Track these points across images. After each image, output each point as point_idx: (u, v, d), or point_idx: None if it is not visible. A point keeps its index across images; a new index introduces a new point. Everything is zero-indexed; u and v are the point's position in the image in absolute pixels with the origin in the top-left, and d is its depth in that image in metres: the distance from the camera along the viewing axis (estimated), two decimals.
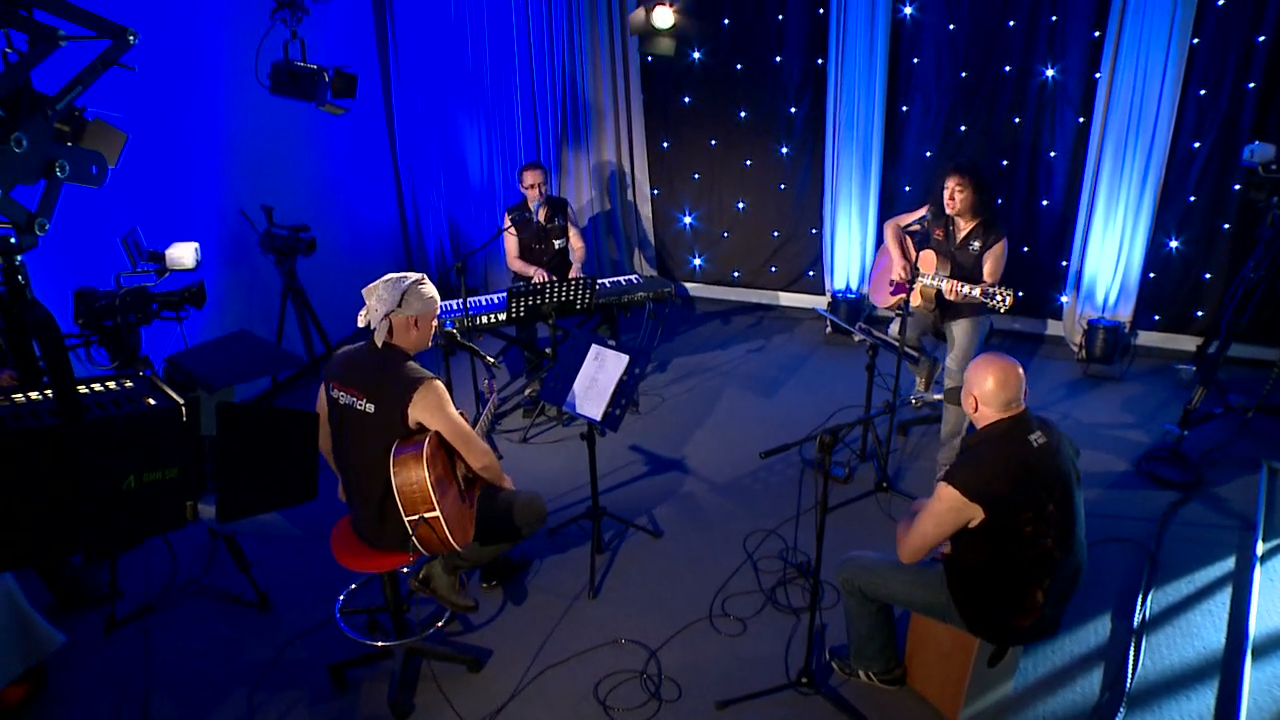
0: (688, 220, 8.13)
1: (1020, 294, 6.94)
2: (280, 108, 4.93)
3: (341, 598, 4.24)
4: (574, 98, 7.81)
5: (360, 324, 3.50)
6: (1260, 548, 4.49)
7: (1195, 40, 5.96)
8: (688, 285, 8.40)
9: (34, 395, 2.09)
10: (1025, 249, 6.95)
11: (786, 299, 8.12)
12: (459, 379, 5.81)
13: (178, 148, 5.61)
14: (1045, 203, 6.81)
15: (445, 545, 3.40)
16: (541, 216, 6.30)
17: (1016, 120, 6.68)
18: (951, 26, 6.58)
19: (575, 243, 6.49)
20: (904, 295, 5.02)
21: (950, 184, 5.09)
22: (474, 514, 3.64)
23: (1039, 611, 3.24)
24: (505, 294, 5.71)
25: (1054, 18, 6.31)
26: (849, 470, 5.34)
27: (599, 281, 6.11)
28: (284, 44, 4.41)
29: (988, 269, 5.11)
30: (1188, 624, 4.10)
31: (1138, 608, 4.16)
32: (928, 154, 7.01)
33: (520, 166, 6.39)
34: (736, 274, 8.20)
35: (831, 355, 7.15)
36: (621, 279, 6.54)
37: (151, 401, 2.09)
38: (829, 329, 7.48)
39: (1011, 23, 6.43)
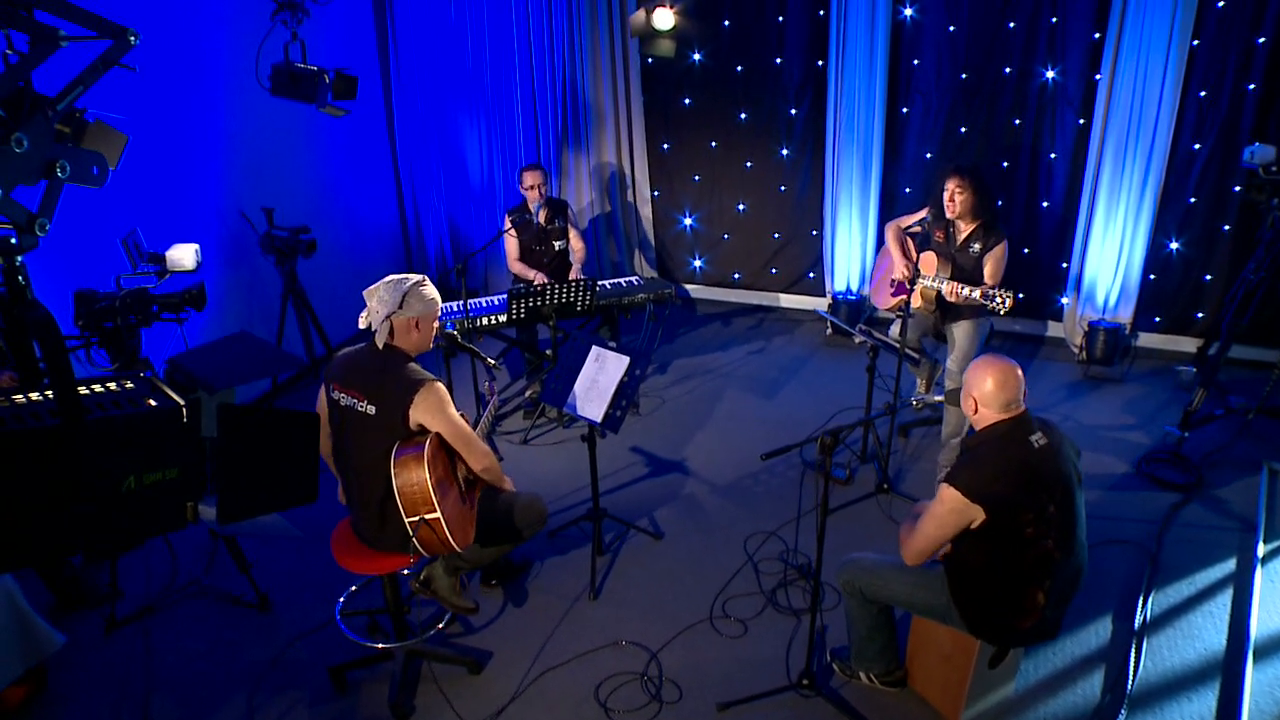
0: (688, 222, 8.13)
1: (1020, 296, 6.94)
2: (280, 109, 4.92)
3: (342, 599, 4.24)
4: (574, 99, 7.81)
5: (361, 325, 3.50)
6: (1261, 549, 4.49)
7: (1195, 42, 5.96)
8: (688, 287, 8.40)
9: (34, 396, 2.08)
10: (1025, 250, 6.95)
11: (787, 300, 8.12)
12: (459, 380, 5.81)
13: (178, 149, 5.61)
14: (1045, 204, 6.81)
15: (446, 546, 3.39)
16: (542, 218, 6.30)
17: (1017, 122, 6.68)
18: (952, 28, 6.58)
19: (575, 244, 6.49)
20: (904, 297, 5.02)
21: (950, 186, 5.09)
22: (474, 515, 3.64)
23: (1040, 613, 3.24)
24: (505, 295, 5.71)
25: (1054, 19, 6.31)
26: (850, 472, 5.34)
27: (599, 283, 6.11)
28: (284, 45, 4.41)
29: (988, 271, 5.11)
30: (1189, 625, 4.09)
31: (1139, 609, 4.16)
32: (928, 155, 7.01)
33: (520, 168, 6.39)
34: (737, 275, 8.19)
35: (832, 357, 7.15)
36: (622, 280, 6.54)
37: (152, 402, 2.09)
38: (829, 330, 7.48)
39: (1012, 24, 6.43)
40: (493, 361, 4.39)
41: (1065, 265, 6.88)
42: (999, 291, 4.76)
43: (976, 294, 4.86)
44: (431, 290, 3.50)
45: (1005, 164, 6.80)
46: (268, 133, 6.28)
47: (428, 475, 3.26)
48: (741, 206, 7.88)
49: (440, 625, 4.12)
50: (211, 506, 2.22)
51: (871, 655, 3.73)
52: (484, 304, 6.06)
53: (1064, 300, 6.98)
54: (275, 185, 6.36)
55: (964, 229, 5.20)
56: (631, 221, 8.18)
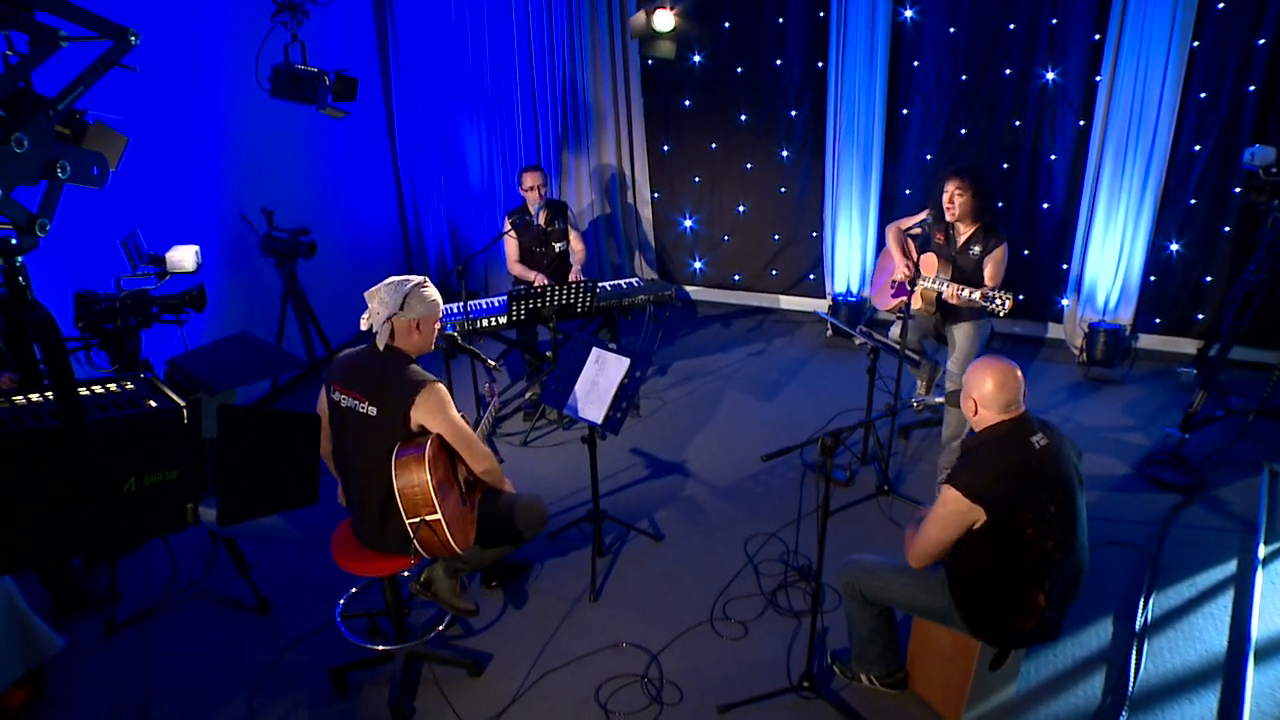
0: (688, 223, 8.13)
1: (1020, 297, 6.98)
2: (280, 111, 4.92)
3: (342, 601, 4.24)
4: (574, 100, 7.82)
5: (363, 327, 3.49)
6: (1262, 550, 4.48)
7: (1195, 43, 5.96)
8: (688, 288, 8.39)
9: (34, 397, 2.08)
10: (1026, 252, 6.95)
11: (787, 302, 8.12)
12: (459, 382, 5.80)
13: (178, 150, 5.61)
14: (1046, 206, 6.81)
15: (446, 548, 3.39)
16: (541, 219, 6.30)
17: (1017, 123, 6.68)
18: (952, 29, 6.59)
19: (576, 245, 6.48)
20: (905, 298, 5.01)
21: (950, 188, 5.09)
22: (475, 517, 3.63)
23: (1040, 614, 3.23)
24: (506, 297, 5.71)
25: (1054, 20, 6.31)
26: (850, 473, 5.33)
27: (599, 284, 6.10)
28: (284, 47, 4.41)
29: (988, 274, 5.10)
30: (1189, 627, 4.09)
31: (1139, 611, 4.16)
32: (928, 157, 7.01)
33: (520, 169, 6.39)
34: (737, 277, 8.19)
35: (832, 358, 7.15)
36: (622, 282, 6.53)
37: (152, 403, 2.08)
38: (830, 332, 7.48)
39: (1012, 25, 6.43)
40: (493, 363, 4.39)
41: (1065, 267, 6.88)
42: (999, 293, 4.75)
43: (976, 296, 4.86)
44: (433, 292, 3.50)
45: (1005, 165, 6.80)
46: (268, 134, 6.27)
47: (429, 476, 3.26)
48: (742, 208, 7.88)
49: (440, 627, 4.11)
50: (212, 508, 2.21)
51: (872, 657, 3.73)
52: (484, 305, 6.06)
53: (1064, 302, 6.98)
54: (275, 187, 6.36)
55: (964, 231, 5.20)
56: (631, 223, 8.18)
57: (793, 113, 7.38)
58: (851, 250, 7.40)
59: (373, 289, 3.44)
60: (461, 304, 5.70)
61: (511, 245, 6.39)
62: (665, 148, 7.90)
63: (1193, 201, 6.37)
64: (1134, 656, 3.87)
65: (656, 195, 8.10)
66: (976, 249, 5.14)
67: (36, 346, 2.02)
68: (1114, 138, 6.30)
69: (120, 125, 2.21)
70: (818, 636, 3.72)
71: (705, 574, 4.58)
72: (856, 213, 7.26)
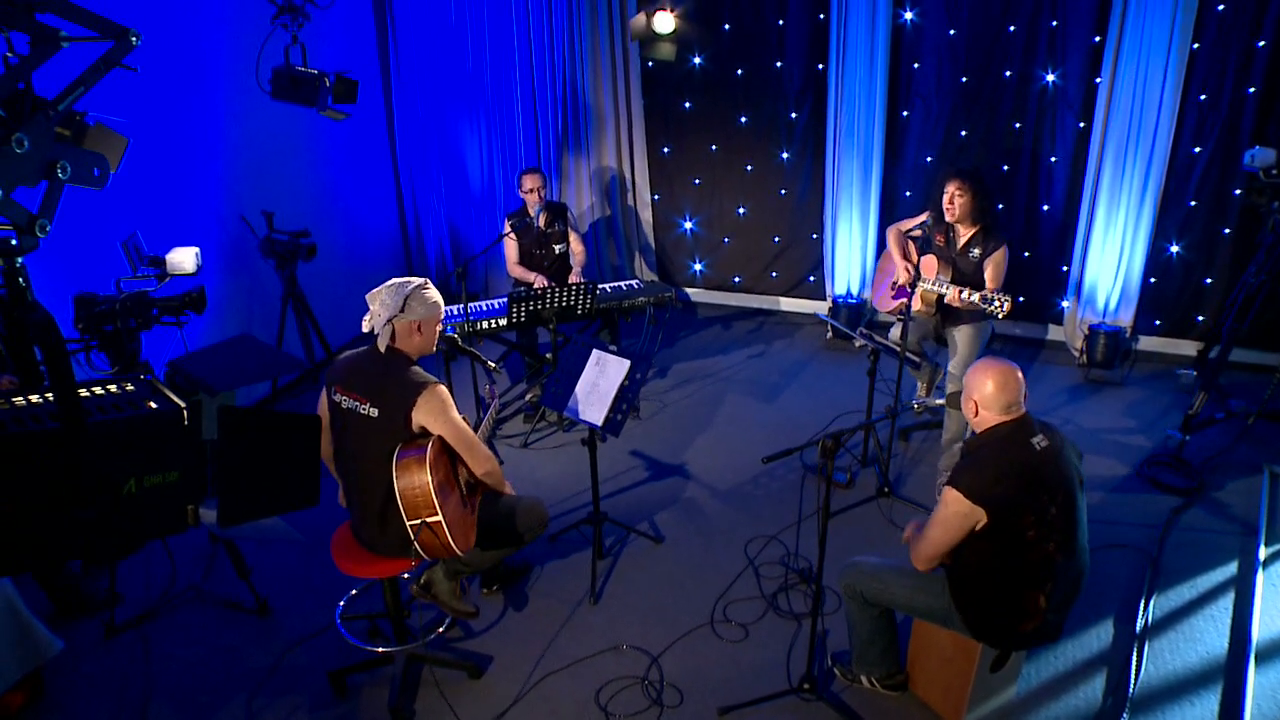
0: (688, 225, 8.13)
1: (1021, 299, 7.00)
2: (281, 113, 4.93)
3: (342, 603, 4.23)
4: (574, 102, 7.82)
5: (364, 329, 3.49)
6: (1262, 552, 4.48)
7: (1195, 45, 5.96)
8: (688, 290, 8.39)
9: (34, 399, 2.08)
10: (1026, 254, 6.95)
11: (787, 304, 8.12)
12: (459, 384, 5.80)
13: (178, 152, 5.61)
14: (1046, 208, 6.81)
15: (447, 550, 3.38)
16: (541, 222, 6.29)
17: (1017, 125, 6.68)
18: (952, 32, 6.59)
19: (576, 247, 6.48)
20: (905, 300, 5.01)
21: (950, 189, 5.08)
22: (475, 519, 3.63)
23: (1041, 616, 3.23)
24: (506, 299, 5.70)
25: (1054, 23, 6.31)
26: (850, 475, 5.33)
27: (599, 286, 6.10)
28: (285, 49, 4.41)
29: (989, 276, 5.09)
30: (1190, 629, 4.08)
31: (1140, 613, 4.15)
32: (928, 159, 7.01)
33: (519, 171, 6.39)
34: (737, 279, 8.19)
35: (832, 360, 7.15)
36: (622, 284, 6.53)
37: (153, 405, 2.08)
38: (830, 334, 7.48)
39: (1012, 28, 6.43)
40: (493, 365, 4.39)
41: (1066, 269, 6.88)
42: (998, 296, 4.75)
43: (976, 298, 4.85)
44: (434, 293, 3.50)
45: (1005, 167, 6.80)
46: (268, 136, 6.27)
47: (429, 478, 3.25)
48: (742, 210, 7.88)
49: (440, 629, 4.11)
50: (212, 509, 2.21)
51: (873, 659, 3.72)
52: (484, 307, 6.06)
53: (1064, 304, 6.97)
54: (275, 189, 6.35)
55: (964, 233, 5.19)
56: (632, 225, 8.18)
57: (793, 115, 7.38)
58: (851, 252, 7.40)
59: (374, 291, 3.44)
60: (461, 306, 5.70)
61: (511, 247, 6.39)
62: (665, 150, 7.90)
63: (1193, 203, 6.37)
64: (1135, 658, 3.87)
65: (657, 197, 8.10)
66: (976, 251, 5.14)
67: (36, 348, 2.01)
68: (1114, 139, 6.30)
69: (120, 127, 2.21)
70: (818, 638, 3.71)
71: (706, 576, 4.58)
72: (857, 215, 7.26)
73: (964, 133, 6.83)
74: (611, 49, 7.57)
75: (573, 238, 6.47)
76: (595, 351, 4.36)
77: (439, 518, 3.29)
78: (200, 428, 2.12)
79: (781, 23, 7.11)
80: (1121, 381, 6.54)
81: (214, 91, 5.82)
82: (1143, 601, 4.23)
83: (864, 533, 4.86)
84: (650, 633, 4.18)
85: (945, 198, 5.11)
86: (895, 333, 5.33)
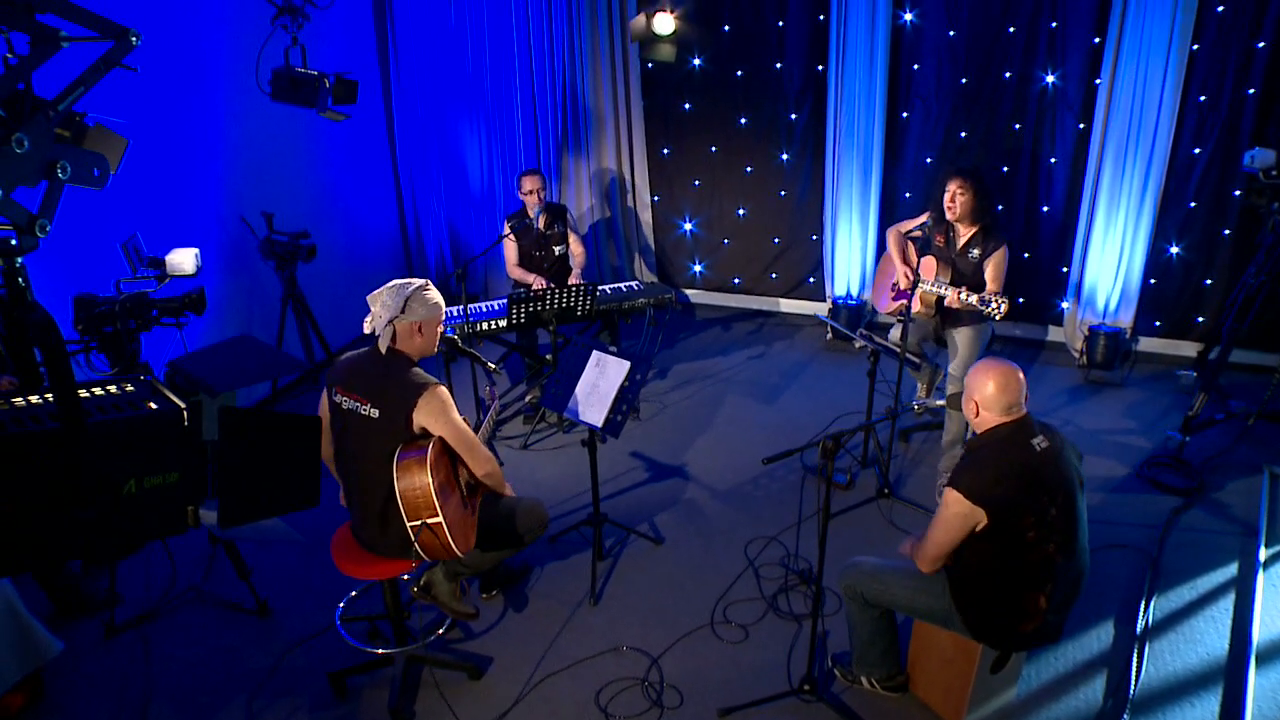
0: (688, 226, 8.13)
1: (1020, 300, 7.01)
2: (281, 114, 4.93)
3: (341, 605, 4.22)
4: (574, 104, 7.82)
5: (366, 330, 3.49)
6: (1263, 553, 4.48)
7: (1195, 46, 5.96)
8: (688, 292, 8.39)
9: (34, 399, 2.08)
10: (1026, 255, 6.95)
11: (787, 305, 8.12)
12: (459, 385, 5.80)
13: (178, 153, 5.61)
14: (1046, 209, 6.81)
15: (447, 551, 3.38)
16: (541, 223, 6.29)
17: (1017, 126, 6.68)
18: (952, 33, 6.59)
19: (575, 249, 6.48)
20: (905, 302, 5.01)
21: (951, 187, 5.08)
22: (476, 520, 3.63)
23: (1041, 617, 3.23)
24: (505, 300, 5.70)
25: (1054, 24, 6.32)
26: (850, 477, 5.33)
27: (599, 288, 6.10)
28: (285, 50, 4.42)
29: (989, 276, 5.09)
30: (1191, 630, 4.08)
31: (1140, 614, 4.15)
32: (928, 160, 7.02)
33: (519, 173, 6.39)
34: (737, 280, 8.19)
35: (832, 361, 7.15)
36: (622, 285, 6.53)
37: (153, 405, 2.08)
38: (830, 335, 7.48)
39: (1011, 29, 6.44)
40: (493, 366, 4.38)
41: (1065, 270, 6.89)
42: (995, 297, 4.75)
43: (974, 300, 4.86)
44: (435, 295, 3.50)
45: (1005, 169, 6.80)
46: (268, 137, 6.27)
47: (430, 479, 3.25)
48: (741, 211, 7.89)
49: (440, 631, 4.11)
50: (212, 510, 2.21)
51: (873, 660, 3.72)
52: (484, 309, 6.05)
53: (1064, 305, 6.97)
54: (275, 190, 6.35)
55: (964, 233, 5.19)
56: (631, 226, 8.18)
57: (793, 116, 7.38)
58: (851, 253, 7.40)
59: (375, 292, 3.44)
60: (461, 307, 5.70)
61: (511, 249, 6.39)
62: (665, 151, 7.91)
63: (1193, 204, 6.37)
64: (1135, 659, 3.87)
65: (656, 198, 8.10)
66: (976, 251, 5.14)
67: (36, 349, 2.01)
68: (1114, 140, 6.31)
69: (120, 128, 2.21)
70: (818, 640, 3.71)
71: (706, 577, 4.57)
72: (856, 216, 7.26)
73: (964, 134, 6.83)
74: (611, 50, 7.57)
75: (572, 239, 6.46)
76: (595, 353, 4.36)
77: (439, 519, 3.28)
78: (200, 428, 2.12)
79: (781, 24, 7.12)
80: (1121, 382, 6.54)
81: (214, 92, 5.82)
82: (1143, 602, 4.23)
83: (864, 534, 4.86)
84: (650, 634, 4.18)
85: (946, 196, 5.11)
86: (895, 334, 5.33)
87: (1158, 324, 6.82)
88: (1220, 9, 5.85)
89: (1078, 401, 6.29)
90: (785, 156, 7.54)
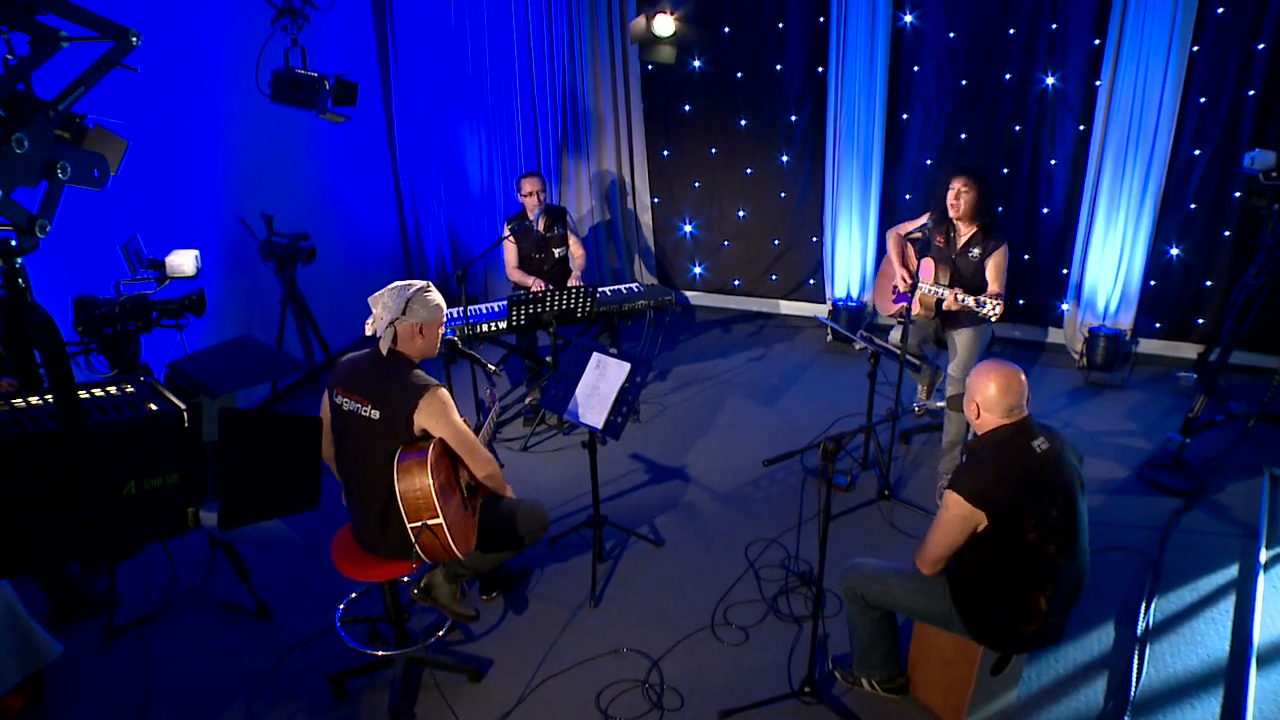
0: (688, 228, 8.13)
1: (1020, 302, 7.01)
2: (280, 116, 4.92)
3: (341, 607, 4.22)
4: (574, 106, 7.82)
5: (368, 332, 3.49)
6: (1264, 555, 4.47)
7: (1195, 48, 5.96)
8: (688, 293, 8.39)
9: (34, 400, 2.07)
10: (1026, 257, 6.95)
11: (787, 307, 8.12)
12: (460, 387, 5.79)
13: (178, 155, 5.61)
14: (1046, 210, 6.81)
15: (448, 553, 3.38)
16: (541, 225, 6.29)
17: (1017, 128, 6.68)
18: (952, 35, 6.59)
19: (575, 251, 6.47)
20: (905, 303, 5.01)
21: (956, 184, 5.08)
22: (476, 522, 3.62)
23: (1042, 618, 3.23)
24: (506, 302, 5.70)
25: (1054, 25, 6.32)
26: (851, 478, 5.32)
27: (599, 290, 6.10)
28: (285, 52, 4.41)
29: (990, 276, 5.09)
30: (1191, 632, 4.08)
31: (1141, 616, 4.15)
32: (928, 162, 7.02)
33: (518, 175, 6.39)
34: (737, 282, 8.19)
35: (832, 363, 7.14)
36: (622, 287, 6.53)
37: (153, 407, 2.07)
38: (830, 337, 7.48)
39: (1011, 30, 6.44)
40: (493, 367, 4.38)
41: (1065, 271, 6.88)
42: (990, 299, 4.76)
43: (970, 301, 4.86)
44: (436, 296, 3.50)
45: (1005, 170, 6.80)
46: (268, 139, 6.27)
47: (431, 480, 3.25)
48: (741, 213, 7.89)
49: (441, 633, 4.10)
50: (213, 512, 2.20)
51: (874, 662, 3.71)
52: (484, 310, 6.05)
53: (1064, 306, 6.97)
54: (275, 192, 6.35)
55: (964, 232, 5.19)
56: (631, 228, 8.17)
57: (793, 118, 7.38)
58: (851, 255, 7.40)
59: (376, 294, 3.44)
60: (461, 309, 5.69)
61: (510, 251, 6.38)
62: (665, 153, 7.91)
63: (1193, 206, 6.37)
64: (1136, 661, 3.86)
65: (656, 200, 8.10)
66: (976, 251, 5.14)
67: (36, 350, 2.01)
68: (1114, 142, 6.31)
69: (120, 130, 2.20)
70: (819, 642, 3.70)
71: (706, 579, 4.57)
72: (856, 218, 7.26)
73: (964, 135, 6.83)
74: (611, 52, 7.57)
75: (572, 241, 6.46)
76: (595, 354, 4.35)
77: (440, 520, 3.28)
78: (201, 430, 2.11)
79: (781, 25, 7.12)
80: (1122, 384, 6.54)
81: (214, 94, 5.82)
82: (1144, 604, 4.22)
83: (865, 535, 4.86)
84: (651, 636, 4.17)
85: (951, 193, 5.11)
86: (895, 336, 5.33)
87: (1158, 326, 6.82)
88: (1220, 10, 5.85)
89: (1078, 403, 6.29)
90: (785, 158, 7.54)
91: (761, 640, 4.14)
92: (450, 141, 8.05)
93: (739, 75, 7.39)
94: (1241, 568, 4.48)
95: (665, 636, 4.17)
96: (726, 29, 7.28)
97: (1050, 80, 6.47)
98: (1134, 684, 3.75)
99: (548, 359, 6.02)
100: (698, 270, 8.27)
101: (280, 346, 6.12)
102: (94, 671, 4.04)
